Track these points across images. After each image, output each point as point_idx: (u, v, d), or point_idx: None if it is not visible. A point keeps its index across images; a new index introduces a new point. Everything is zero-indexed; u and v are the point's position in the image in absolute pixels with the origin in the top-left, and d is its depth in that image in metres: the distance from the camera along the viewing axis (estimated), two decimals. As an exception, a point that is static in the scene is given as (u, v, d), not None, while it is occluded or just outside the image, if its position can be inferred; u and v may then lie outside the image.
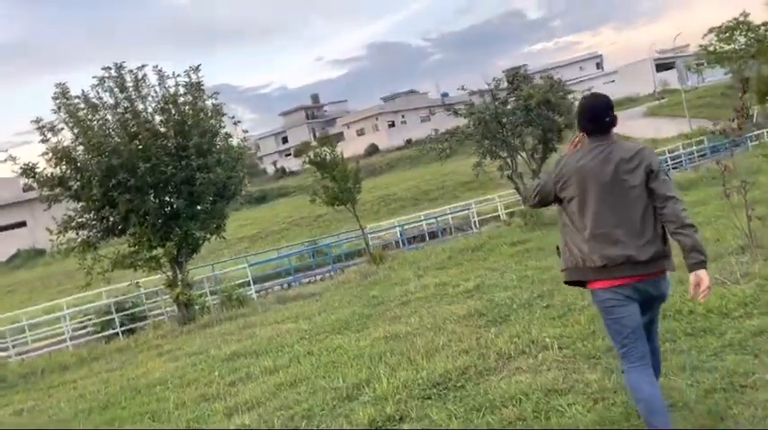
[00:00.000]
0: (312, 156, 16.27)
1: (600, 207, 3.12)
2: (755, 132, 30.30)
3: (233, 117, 14.72)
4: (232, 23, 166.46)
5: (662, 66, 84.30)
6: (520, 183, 18.19)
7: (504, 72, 19.46)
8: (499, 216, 24.19)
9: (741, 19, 34.48)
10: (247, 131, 14.68)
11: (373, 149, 74.62)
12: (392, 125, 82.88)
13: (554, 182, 3.25)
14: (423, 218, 25.18)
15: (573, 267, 3.23)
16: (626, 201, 3.12)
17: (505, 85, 18.63)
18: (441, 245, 17.39)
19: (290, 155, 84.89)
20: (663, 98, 66.80)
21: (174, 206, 13.82)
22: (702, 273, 3.02)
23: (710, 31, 35.51)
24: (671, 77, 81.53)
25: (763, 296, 6.03)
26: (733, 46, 34.92)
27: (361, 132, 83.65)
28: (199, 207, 14.26)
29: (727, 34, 34.42)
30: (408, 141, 78.21)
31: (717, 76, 67.81)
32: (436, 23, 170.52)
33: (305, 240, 26.32)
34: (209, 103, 14.64)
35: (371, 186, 42.82)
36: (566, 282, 3.38)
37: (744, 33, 34.69)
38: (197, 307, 14.08)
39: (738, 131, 10.12)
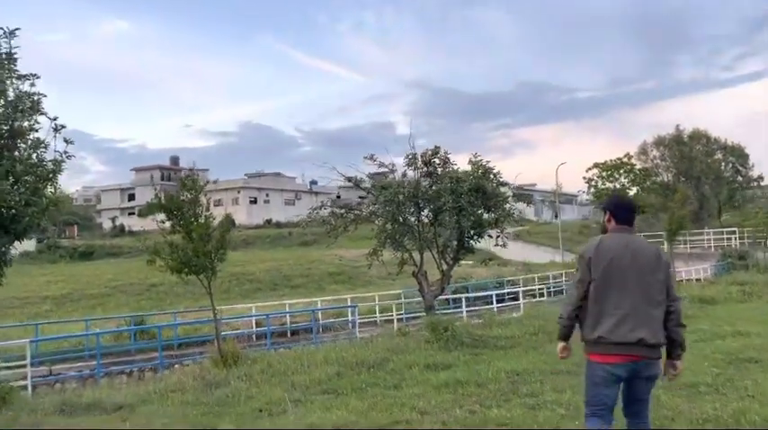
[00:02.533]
0: (163, 200, 11.43)
1: (619, 288, 3.64)
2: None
3: (55, 119, 9.63)
4: (103, 70, 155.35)
5: (516, 197, 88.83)
6: (426, 286, 14.52)
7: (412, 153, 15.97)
8: (377, 320, 20.23)
9: (625, 160, 35.61)
10: (72, 142, 9.61)
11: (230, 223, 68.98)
12: (254, 202, 78.68)
13: (587, 266, 3.72)
14: (288, 308, 20.42)
15: (590, 340, 3.70)
16: (642, 287, 3.65)
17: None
18: (318, 350, 12.89)
19: (133, 213, 76.95)
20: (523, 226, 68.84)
21: None
22: (679, 363, 3.84)
23: (595, 166, 36.11)
24: (525, 209, 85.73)
25: None
26: (614, 185, 35.66)
27: (218, 203, 78.05)
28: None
29: (610, 172, 35.15)
30: (269, 221, 73.67)
31: (567, 214, 71.93)
32: (311, 118, 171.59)
33: (128, 314, 20.31)
34: (23, 87, 9.52)
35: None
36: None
37: (626, 174, 35.67)
38: None
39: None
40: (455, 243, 14.48)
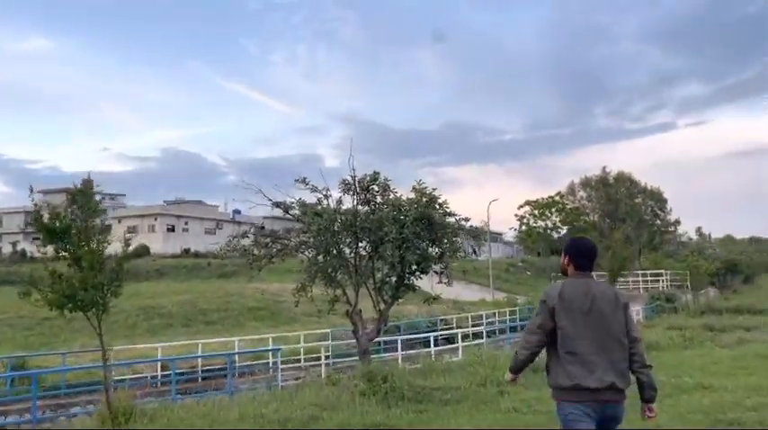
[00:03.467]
0: (45, 218, 9.29)
1: (584, 335, 3.62)
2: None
3: None
4: (19, 88, 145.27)
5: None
6: (360, 327, 12.83)
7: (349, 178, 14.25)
8: (302, 363, 18.27)
9: (556, 199, 35.42)
10: None
11: (144, 251, 64.84)
12: (171, 230, 74.63)
13: (549, 313, 3.72)
14: (200, 349, 17.96)
15: (562, 387, 3.64)
16: (605, 332, 3.64)
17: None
18: (232, 403, 10.83)
19: (38, 238, 71.07)
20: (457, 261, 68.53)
21: None
22: (654, 404, 3.84)
23: (527, 203, 35.70)
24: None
25: None
26: (546, 223, 35.30)
27: (133, 230, 74.06)
28: None
29: (542, 210, 34.80)
30: (186, 251, 69.87)
31: (493, 252, 72.14)
32: (237, 146, 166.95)
33: (7, 355, 17.32)
34: None
35: (132, 292, 34.08)
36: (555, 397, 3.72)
37: (558, 213, 35.43)
38: None
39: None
40: (394, 279, 12.91)
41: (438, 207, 12.32)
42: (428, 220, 11.95)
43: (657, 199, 57.08)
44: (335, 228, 12.35)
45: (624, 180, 52.30)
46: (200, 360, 17.17)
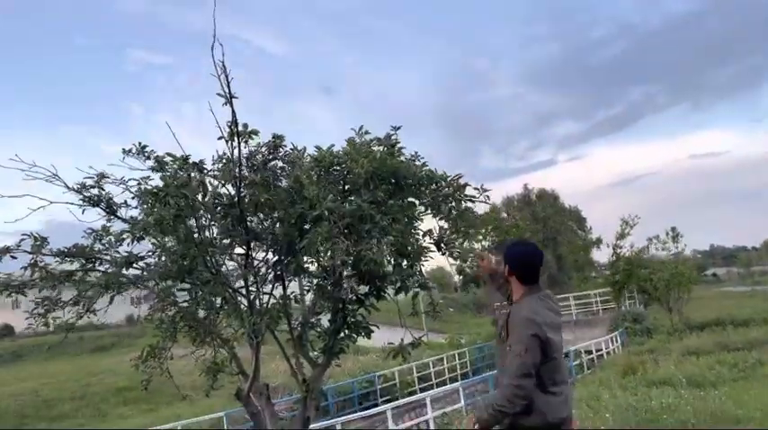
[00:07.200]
0: None
1: (560, 363, 3.16)
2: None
3: None
4: None
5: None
6: (267, 416, 6.44)
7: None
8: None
9: (492, 215, 30.59)
10: None
11: (7, 331, 54.15)
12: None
13: (540, 347, 3.09)
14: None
15: (550, 424, 3.10)
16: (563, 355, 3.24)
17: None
18: None
19: None
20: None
21: None
22: None
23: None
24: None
25: None
26: (482, 244, 30.20)
27: (-8, 308, 62.37)
28: None
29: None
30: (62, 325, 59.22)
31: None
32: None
33: None
34: None
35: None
36: None
37: (494, 230, 30.45)
38: None
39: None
40: (328, 316, 6.69)
41: (404, 160, 6.21)
42: (394, 179, 5.88)
43: (576, 218, 54.47)
44: (199, 218, 6.05)
45: (547, 197, 49.18)
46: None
